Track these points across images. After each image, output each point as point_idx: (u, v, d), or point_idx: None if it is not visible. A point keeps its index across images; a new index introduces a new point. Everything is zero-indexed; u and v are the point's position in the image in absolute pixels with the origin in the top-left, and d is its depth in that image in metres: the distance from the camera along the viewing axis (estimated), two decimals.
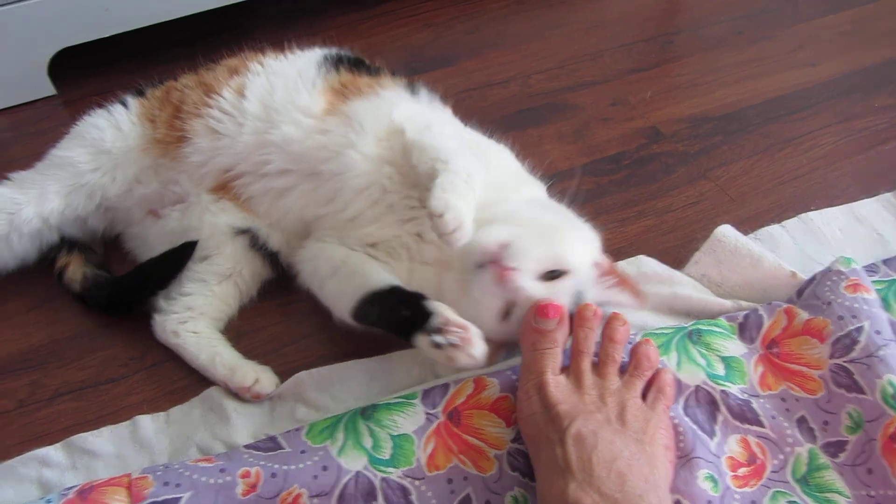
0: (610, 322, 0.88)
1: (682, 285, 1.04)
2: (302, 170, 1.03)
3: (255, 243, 1.07)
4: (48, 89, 1.47)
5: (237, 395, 0.96)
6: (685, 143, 1.35)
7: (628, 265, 1.08)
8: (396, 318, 0.89)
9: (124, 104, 1.10)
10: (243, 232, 1.07)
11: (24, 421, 0.96)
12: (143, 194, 1.10)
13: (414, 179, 0.96)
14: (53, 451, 0.90)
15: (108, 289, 1.07)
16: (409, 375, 0.98)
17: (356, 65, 1.13)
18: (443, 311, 0.86)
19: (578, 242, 0.93)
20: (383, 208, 0.99)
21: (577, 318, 0.88)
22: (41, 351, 1.04)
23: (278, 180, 1.05)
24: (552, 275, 0.88)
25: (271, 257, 1.08)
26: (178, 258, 1.05)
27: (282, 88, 1.06)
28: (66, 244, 1.11)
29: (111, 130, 1.07)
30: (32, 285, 1.11)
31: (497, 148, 1.07)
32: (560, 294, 0.87)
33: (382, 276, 0.94)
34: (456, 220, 0.81)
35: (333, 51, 1.14)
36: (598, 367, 0.86)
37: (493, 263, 0.85)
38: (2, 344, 1.05)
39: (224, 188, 1.07)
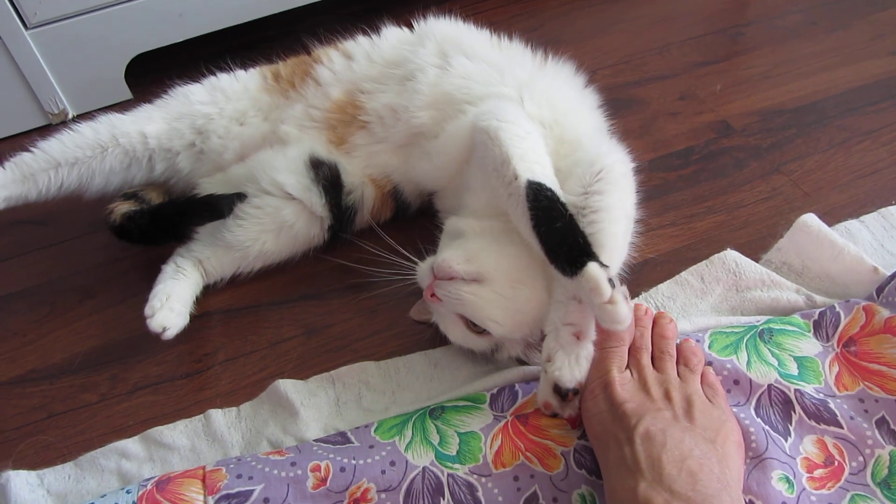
0: (657, 321, 0.90)
1: (750, 290, 1.03)
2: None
3: (328, 177, 1.11)
4: (125, 94, 1.53)
5: None
6: (757, 136, 1.32)
7: (708, 265, 1.07)
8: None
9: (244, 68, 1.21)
10: (318, 166, 1.11)
11: (106, 413, 1.00)
12: (241, 136, 1.17)
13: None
14: (132, 444, 0.94)
15: (148, 217, 1.12)
16: (472, 361, 0.99)
17: None
18: None
19: None
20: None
21: None
22: (121, 346, 1.08)
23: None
24: None
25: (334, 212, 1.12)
26: (222, 204, 1.09)
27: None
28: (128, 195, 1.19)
29: (228, 79, 1.18)
30: (113, 283, 1.17)
31: None
32: None
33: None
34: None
35: None
36: (655, 363, 0.86)
37: None
38: (86, 339, 1.10)
39: (341, 110, 1.14)
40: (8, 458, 0.94)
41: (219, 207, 1.08)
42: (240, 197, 1.10)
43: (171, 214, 1.12)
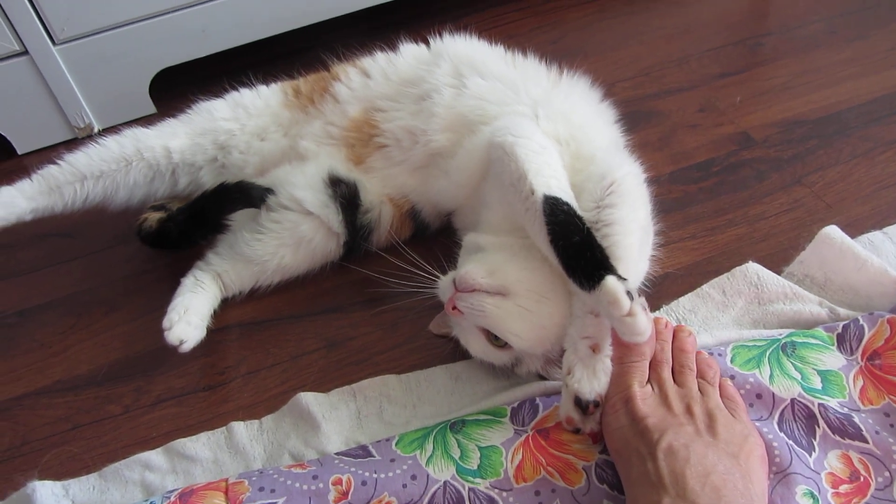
0: (677, 334, 0.90)
1: (772, 303, 1.02)
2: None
3: (345, 195, 1.12)
4: (149, 108, 1.55)
5: None
6: (778, 148, 1.31)
7: (729, 278, 1.06)
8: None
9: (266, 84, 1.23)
10: (336, 184, 1.12)
11: (131, 425, 1.01)
12: (262, 151, 1.19)
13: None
14: (155, 456, 0.95)
15: (185, 213, 1.15)
16: (492, 375, 1.00)
17: None
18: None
19: None
20: None
21: None
22: (145, 358, 1.09)
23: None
24: None
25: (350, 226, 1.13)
26: (253, 191, 1.11)
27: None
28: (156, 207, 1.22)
29: (251, 95, 1.20)
30: (137, 295, 1.18)
31: None
32: None
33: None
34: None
35: None
36: (676, 377, 0.86)
37: None
38: (110, 351, 1.11)
39: (358, 128, 1.15)
40: (34, 469, 0.96)
41: (250, 194, 1.10)
42: (269, 190, 1.11)
43: (206, 205, 1.13)
